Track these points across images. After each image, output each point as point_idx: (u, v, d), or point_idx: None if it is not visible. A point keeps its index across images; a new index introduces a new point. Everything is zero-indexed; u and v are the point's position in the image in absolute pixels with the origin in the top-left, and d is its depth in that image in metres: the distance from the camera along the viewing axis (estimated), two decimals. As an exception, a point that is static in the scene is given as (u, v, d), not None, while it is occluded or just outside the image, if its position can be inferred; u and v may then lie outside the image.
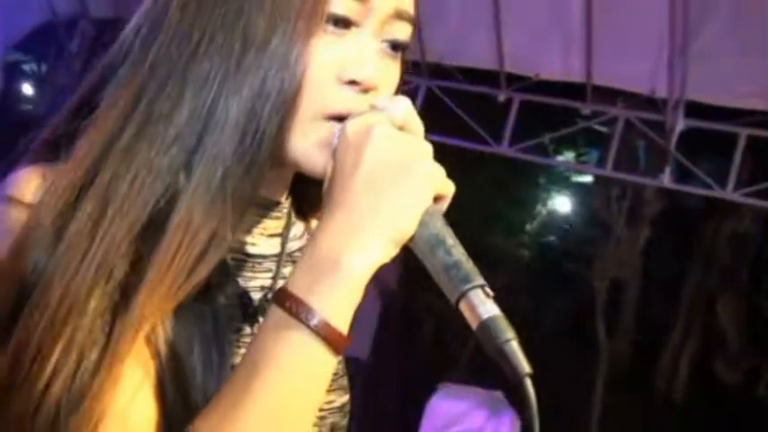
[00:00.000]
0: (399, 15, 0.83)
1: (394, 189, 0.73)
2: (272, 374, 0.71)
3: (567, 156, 10.07)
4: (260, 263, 0.84)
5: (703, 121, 5.00)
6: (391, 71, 0.85)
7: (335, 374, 0.93)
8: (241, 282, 0.86)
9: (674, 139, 4.95)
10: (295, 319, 0.71)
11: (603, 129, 6.02)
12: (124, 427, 0.73)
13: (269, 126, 0.76)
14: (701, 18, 4.34)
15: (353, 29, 0.81)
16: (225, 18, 0.77)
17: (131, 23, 0.83)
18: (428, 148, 0.78)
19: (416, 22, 0.87)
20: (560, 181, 11.27)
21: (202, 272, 0.75)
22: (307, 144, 0.80)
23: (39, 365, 0.70)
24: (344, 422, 0.95)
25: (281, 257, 0.90)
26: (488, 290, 0.73)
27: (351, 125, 0.77)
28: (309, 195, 0.93)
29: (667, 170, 5.08)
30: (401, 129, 0.78)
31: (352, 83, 0.80)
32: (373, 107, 0.80)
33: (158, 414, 0.75)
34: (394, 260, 0.75)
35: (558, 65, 5.09)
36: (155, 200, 0.75)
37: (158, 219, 0.75)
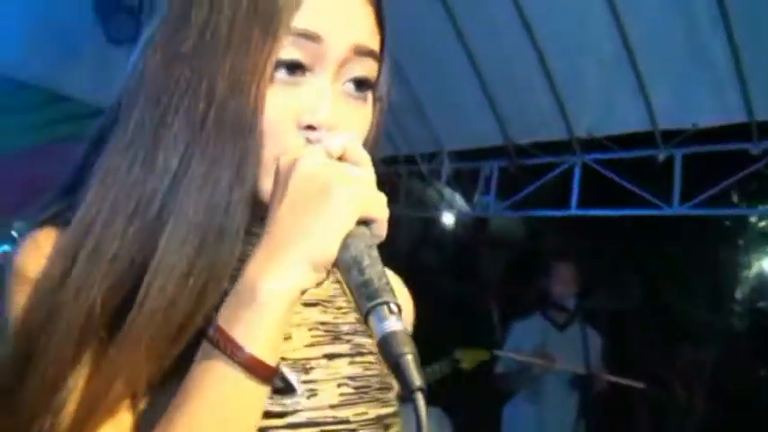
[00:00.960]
0: (358, 52, 0.83)
1: (313, 213, 0.74)
2: (198, 406, 0.73)
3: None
4: None
5: None
6: (356, 111, 0.85)
7: (366, 387, 0.91)
8: None
9: None
10: (219, 352, 0.73)
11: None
12: None
13: (236, 191, 0.78)
14: None
15: (309, 74, 0.81)
16: (190, 82, 0.79)
17: (121, 89, 0.86)
18: (367, 176, 0.78)
19: (379, 56, 0.86)
20: (760, 239, 10.50)
21: (175, 351, 0.76)
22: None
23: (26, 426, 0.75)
24: None
25: None
26: (393, 306, 0.74)
27: (282, 159, 0.78)
28: None
29: None
30: (340, 159, 0.79)
31: (310, 128, 0.81)
32: (308, 141, 0.80)
33: None
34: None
35: (714, 109, 4.79)
36: (130, 274, 0.77)
37: (131, 296, 0.76)
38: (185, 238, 0.76)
